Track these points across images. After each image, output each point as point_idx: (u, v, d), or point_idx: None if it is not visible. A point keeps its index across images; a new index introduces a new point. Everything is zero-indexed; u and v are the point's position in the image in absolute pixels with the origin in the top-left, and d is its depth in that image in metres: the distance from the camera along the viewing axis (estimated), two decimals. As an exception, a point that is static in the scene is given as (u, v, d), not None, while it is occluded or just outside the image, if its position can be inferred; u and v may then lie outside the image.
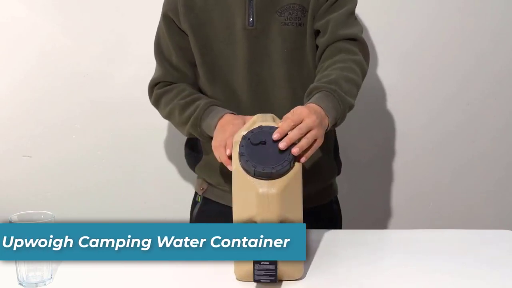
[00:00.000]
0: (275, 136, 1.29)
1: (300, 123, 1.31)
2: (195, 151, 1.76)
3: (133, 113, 2.15)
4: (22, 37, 2.08)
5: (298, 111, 1.34)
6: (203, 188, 1.75)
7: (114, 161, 2.18)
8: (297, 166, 1.28)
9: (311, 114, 1.34)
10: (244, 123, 1.40)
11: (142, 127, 2.17)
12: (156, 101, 1.69)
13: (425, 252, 1.49)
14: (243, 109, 1.59)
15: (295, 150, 1.27)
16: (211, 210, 1.73)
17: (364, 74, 1.59)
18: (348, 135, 2.13)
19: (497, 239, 1.59)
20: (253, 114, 1.40)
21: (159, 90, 1.68)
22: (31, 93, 2.11)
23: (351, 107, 1.49)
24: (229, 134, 1.40)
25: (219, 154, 1.41)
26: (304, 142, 1.29)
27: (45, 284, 1.29)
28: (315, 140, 1.33)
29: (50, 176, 2.17)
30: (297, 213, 1.30)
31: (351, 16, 1.64)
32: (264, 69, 1.63)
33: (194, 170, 1.78)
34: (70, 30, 2.09)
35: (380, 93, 2.24)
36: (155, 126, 2.16)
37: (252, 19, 1.61)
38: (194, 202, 1.81)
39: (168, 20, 1.66)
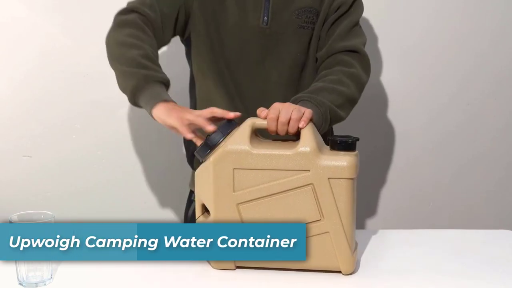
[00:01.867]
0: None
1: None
2: (192, 145, 1.76)
3: (133, 113, 2.15)
4: (22, 37, 2.08)
5: (274, 106, 1.39)
6: None
7: (114, 161, 2.18)
8: (213, 156, 1.35)
9: (285, 103, 1.41)
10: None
11: (142, 127, 2.17)
12: (125, 23, 1.58)
13: (425, 252, 1.49)
14: (247, 106, 1.59)
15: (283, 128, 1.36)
16: None
17: (360, 86, 1.61)
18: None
19: (497, 239, 1.59)
20: (256, 111, 1.40)
21: (139, 19, 1.57)
22: (31, 93, 2.11)
23: (337, 116, 1.52)
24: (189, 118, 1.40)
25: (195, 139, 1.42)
26: (295, 115, 1.36)
27: (45, 284, 1.29)
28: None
29: (50, 176, 2.17)
30: (209, 199, 1.36)
31: (354, 27, 1.66)
32: (272, 69, 1.64)
33: (192, 166, 1.79)
34: (70, 30, 2.09)
35: (380, 93, 2.24)
36: (155, 126, 2.16)
37: (267, 18, 1.61)
38: (189, 201, 1.80)
39: None
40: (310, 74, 1.67)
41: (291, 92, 1.62)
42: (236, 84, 1.64)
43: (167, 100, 1.46)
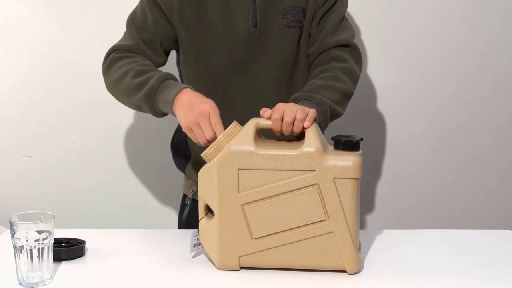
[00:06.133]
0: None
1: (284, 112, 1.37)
2: (184, 150, 1.75)
3: (133, 113, 2.15)
4: (22, 36, 2.08)
5: (277, 106, 1.38)
6: (192, 190, 1.74)
7: (114, 161, 2.18)
8: (218, 156, 1.33)
9: (288, 103, 1.41)
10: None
11: (142, 127, 2.17)
12: (110, 65, 1.61)
13: (425, 252, 1.49)
14: (235, 110, 1.59)
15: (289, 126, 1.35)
16: None
17: (355, 80, 1.62)
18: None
19: (497, 239, 1.59)
20: (246, 114, 1.39)
21: (117, 54, 1.62)
22: (31, 93, 2.11)
23: (336, 113, 1.52)
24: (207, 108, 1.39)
25: (197, 132, 1.40)
26: (299, 115, 1.35)
27: (45, 284, 1.29)
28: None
29: (50, 176, 2.17)
30: (213, 200, 1.34)
31: (342, 21, 1.66)
32: (261, 70, 1.63)
33: (184, 171, 1.78)
34: (70, 30, 2.09)
35: (380, 93, 2.24)
36: (155, 126, 2.17)
37: (256, 20, 1.60)
38: (183, 205, 1.79)
39: (157, 7, 1.62)
40: (301, 72, 1.66)
41: (282, 92, 1.62)
42: (223, 89, 1.63)
43: (190, 88, 1.47)
